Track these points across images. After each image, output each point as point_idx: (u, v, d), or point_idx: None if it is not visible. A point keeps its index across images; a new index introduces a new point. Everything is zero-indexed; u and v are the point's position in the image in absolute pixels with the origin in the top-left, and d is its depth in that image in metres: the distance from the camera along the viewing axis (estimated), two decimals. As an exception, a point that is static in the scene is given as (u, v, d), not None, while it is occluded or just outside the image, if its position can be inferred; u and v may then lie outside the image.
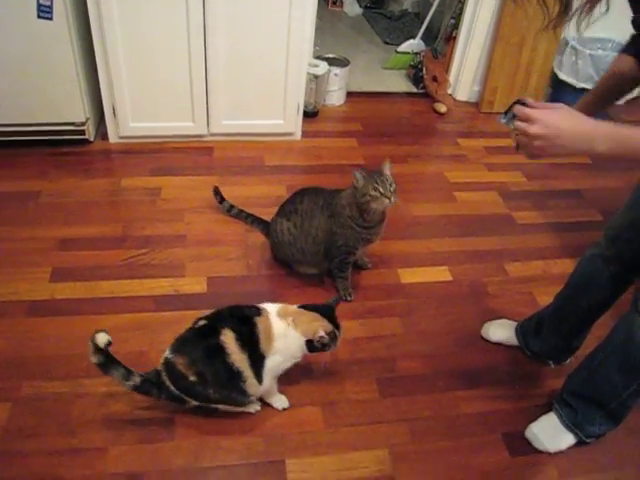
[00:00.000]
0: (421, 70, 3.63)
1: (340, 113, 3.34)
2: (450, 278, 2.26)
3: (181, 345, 1.55)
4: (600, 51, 3.26)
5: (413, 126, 3.31)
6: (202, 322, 1.57)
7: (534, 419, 1.73)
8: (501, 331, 2.01)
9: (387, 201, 1.85)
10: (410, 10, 4.75)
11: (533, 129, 1.06)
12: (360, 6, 4.84)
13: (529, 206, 2.73)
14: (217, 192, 2.39)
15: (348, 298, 2.09)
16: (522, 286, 2.27)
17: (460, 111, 3.50)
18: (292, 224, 2.03)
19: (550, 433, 1.68)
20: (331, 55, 3.40)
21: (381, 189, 1.83)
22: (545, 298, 2.18)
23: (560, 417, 1.68)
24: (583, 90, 3.34)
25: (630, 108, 3.48)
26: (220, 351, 1.49)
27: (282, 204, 2.13)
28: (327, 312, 1.61)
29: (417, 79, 3.67)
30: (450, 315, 2.11)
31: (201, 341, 1.53)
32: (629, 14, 1.27)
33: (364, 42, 4.30)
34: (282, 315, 1.57)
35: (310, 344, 1.56)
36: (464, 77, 3.54)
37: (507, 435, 1.73)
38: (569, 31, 3.34)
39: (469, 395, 1.84)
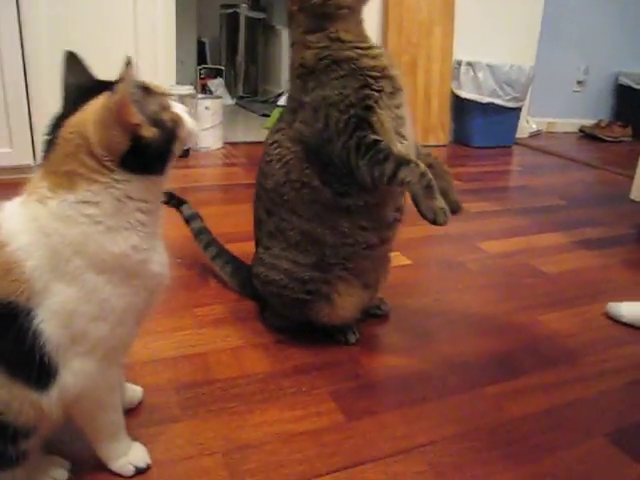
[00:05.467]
0: (308, 116, 3.13)
1: (218, 154, 2.66)
2: (409, 262, 1.47)
3: None
4: (495, 62, 2.97)
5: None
6: None
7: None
8: (637, 309, 1.22)
9: None
10: (286, 92, 4.45)
11: None
12: (232, 97, 4.49)
13: (478, 199, 2.11)
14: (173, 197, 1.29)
15: (442, 219, 0.89)
16: (511, 260, 1.54)
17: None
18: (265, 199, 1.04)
19: None
20: (201, 95, 2.81)
21: None
22: (551, 267, 1.48)
23: None
24: (490, 105, 2.98)
25: None
26: None
27: None
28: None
29: (305, 126, 3.15)
30: (424, 295, 1.30)
31: None
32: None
33: (241, 119, 3.86)
34: (32, 193, 0.61)
35: (135, 155, 0.60)
36: (358, 113, 3.07)
37: (617, 434, 0.87)
38: (459, 53, 3.06)
39: (510, 387, 0.98)
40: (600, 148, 3.50)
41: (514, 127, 3.23)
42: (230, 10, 4.63)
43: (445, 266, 1.47)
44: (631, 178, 2.21)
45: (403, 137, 0.97)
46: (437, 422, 0.88)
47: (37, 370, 0.58)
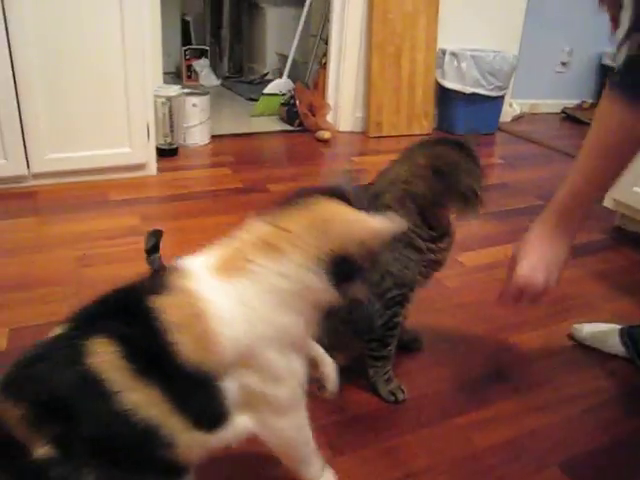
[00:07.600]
0: (294, 105, 3.16)
1: (206, 150, 2.71)
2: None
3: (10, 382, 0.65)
4: (479, 53, 3.01)
5: (296, 153, 2.76)
6: (56, 331, 0.68)
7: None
8: (598, 332, 1.32)
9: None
10: (271, 75, 4.44)
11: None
12: (218, 77, 4.47)
13: (457, 201, 2.19)
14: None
15: (400, 397, 1.13)
16: (487, 274, 1.64)
17: (346, 137, 3.03)
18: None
19: None
20: (186, 90, 2.83)
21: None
22: (523, 281, 1.56)
23: None
24: (473, 95, 3.03)
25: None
26: (97, 390, 0.63)
27: None
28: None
29: (291, 116, 3.19)
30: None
31: (53, 371, 0.64)
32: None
33: (227, 102, 3.86)
34: (232, 262, 0.70)
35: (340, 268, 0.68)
36: (343, 104, 3.12)
37: (568, 463, 0.99)
38: (444, 42, 3.10)
39: (478, 417, 1.10)
40: (581, 132, 3.57)
41: (497, 114, 3.30)
42: (214, -12, 4.56)
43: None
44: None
45: None
46: (410, 456, 1.00)
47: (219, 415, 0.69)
